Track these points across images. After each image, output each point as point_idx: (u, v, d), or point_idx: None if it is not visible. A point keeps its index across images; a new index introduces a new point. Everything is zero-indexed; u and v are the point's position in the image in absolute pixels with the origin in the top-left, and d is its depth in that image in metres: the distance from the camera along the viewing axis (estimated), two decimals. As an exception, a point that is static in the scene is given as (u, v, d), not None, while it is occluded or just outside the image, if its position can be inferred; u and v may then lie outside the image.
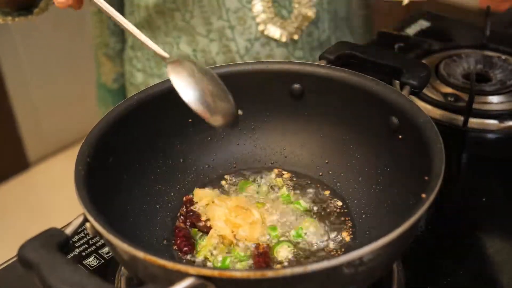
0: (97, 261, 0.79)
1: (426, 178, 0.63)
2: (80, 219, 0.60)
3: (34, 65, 2.50)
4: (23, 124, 2.55)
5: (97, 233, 0.59)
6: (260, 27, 1.07)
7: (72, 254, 0.80)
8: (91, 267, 0.78)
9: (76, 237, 0.82)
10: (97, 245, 0.81)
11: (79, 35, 2.42)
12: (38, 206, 2.45)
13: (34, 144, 2.62)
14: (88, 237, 0.82)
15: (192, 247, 0.72)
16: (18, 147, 2.57)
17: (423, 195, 0.60)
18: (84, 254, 0.80)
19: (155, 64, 1.14)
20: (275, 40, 1.09)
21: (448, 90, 1.06)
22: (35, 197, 2.52)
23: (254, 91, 0.82)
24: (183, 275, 0.52)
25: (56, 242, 0.55)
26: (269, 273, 0.52)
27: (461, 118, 1.01)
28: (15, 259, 0.80)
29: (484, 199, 0.87)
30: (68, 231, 0.58)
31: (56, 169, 2.63)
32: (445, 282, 0.75)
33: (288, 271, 0.52)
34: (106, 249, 0.80)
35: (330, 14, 1.15)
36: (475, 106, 1.00)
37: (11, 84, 2.44)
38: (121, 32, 1.28)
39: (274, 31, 1.08)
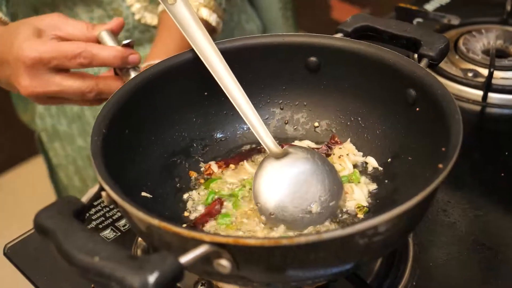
0: (114, 233, 0.80)
1: (443, 149, 0.62)
2: (96, 188, 0.60)
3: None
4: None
5: (112, 202, 0.59)
6: (137, 17, 1.08)
7: (89, 227, 0.80)
8: (108, 239, 0.79)
9: (93, 210, 0.83)
10: (114, 217, 0.82)
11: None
12: (50, 189, 2.47)
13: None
14: (105, 210, 0.83)
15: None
16: (30, 130, 2.58)
17: (440, 165, 0.59)
18: (101, 226, 0.81)
19: None
20: (154, 27, 1.09)
21: (467, 65, 1.05)
22: (47, 181, 2.53)
23: (269, 65, 0.81)
24: (197, 243, 0.52)
25: (72, 209, 0.55)
26: (284, 241, 0.52)
27: (480, 94, 1.00)
28: (29, 233, 0.81)
29: (502, 174, 0.86)
30: (84, 199, 0.58)
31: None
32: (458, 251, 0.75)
33: (303, 239, 0.52)
34: (122, 222, 0.81)
35: None
36: (494, 81, 0.99)
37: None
38: None
39: (151, 18, 1.08)
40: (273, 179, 0.71)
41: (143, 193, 0.72)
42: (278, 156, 0.72)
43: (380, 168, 0.76)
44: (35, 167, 2.55)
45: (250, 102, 0.74)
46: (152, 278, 0.47)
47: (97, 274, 0.49)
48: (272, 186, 0.70)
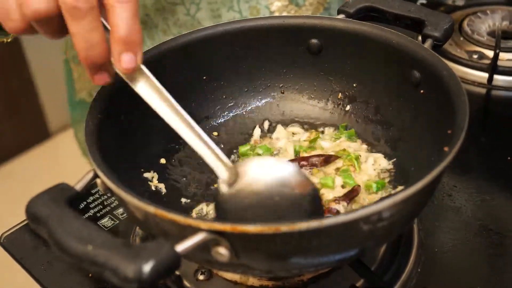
0: (112, 221, 0.78)
1: (449, 131, 0.60)
2: (90, 174, 0.58)
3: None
4: (44, 94, 2.55)
5: (107, 189, 0.58)
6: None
7: (86, 215, 0.79)
8: (106, 227, 0.77)
9: (91, 198, 0.81)
10: (112, 206, 0.80)
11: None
12: (59, 175, 2.45)
13: (55, 114, 2.62)
14: (102, 198, 0.81)
15: None
16: (39, 116, 2.57)
17: (446, 148, 0.57)
18: (98, 215, 0.79)
19: None
20: None
21: (472, 47, 1.03)
22: (56, 167, 2.52)
23: (270, 47, 0.79)
24: (194, 230, 0.50)
25: (65, 196, 0.53)
26: (284, 228, 0.50)
27: (485, 76, 0.98)
28: (26, 222, 0.79)
29: (509, 158, 0.84)
30: (78, 186, 0.57)
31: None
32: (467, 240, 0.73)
33: (304, 225, 0.50)
34: (120, 210, 0.79)
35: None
36: (500, 63, 0.97)
37: (31, 54, 2.43)
38: None
39: None
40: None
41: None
42: (229, 181, 0.60)
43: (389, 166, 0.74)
44: (40, 160, 2.55)
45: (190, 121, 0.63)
46: (147, 267, 0.45)
47: (90, 262, 0.47)
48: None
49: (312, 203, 0.59)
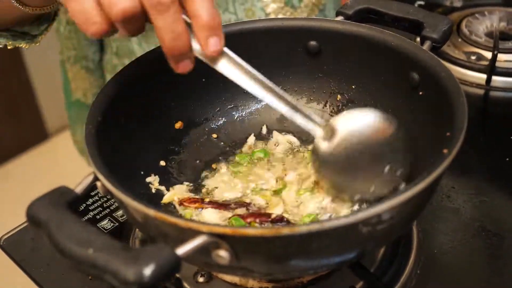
0: (112, 224, 0.78)
1: (448, 134, 0.60)
2: (91, 177, 0.58)
3: (51, 35, 2.48)
4: (42, 95, 2.54)
5: (107, 192, 0.58)
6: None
7: (86, 218, 0.79)
8: (106, 230, 0.77)
9: (90, 200, 0.81)
10: (111, 208, 0.80)
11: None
12: (58, 176, 2.46)
13: (53, 115, 2.62)
14: (102, 200, 0.81)
15: None
16: (37, 118, 2.57)
17: (445, 150, 0.57)
18: (98, 217, 0.79)
19: None
20: None
21: (471, 48, 1.03)
22: (54, 168, 2.52)
23: (268, 50, 0.79)
24: (195, 233, 0.50)
25: (66, 200, 0.54)
26: (284, 230, 0.50)
27: (483, 77, 0.98)
28: (25, 224, 0.79)
29: (507, 159, 0.84)
30: (78, 189, 0.57)
31: (75, 140, 2.63)
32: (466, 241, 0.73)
33: (304, 228, 0.50)
34: (120, 212, 0.80)
35: (333, 1, 1.11)
36: (498, 64, 0.97)
37: (30, 56, 2.43)
38: (99, 40, 1.13)
39: None
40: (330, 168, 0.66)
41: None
42: (326, 138, 0.65)
43: None
44: (38, 161, 2.55)
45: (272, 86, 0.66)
46: (148, 270, 0.45)
47: (90, 266, 0.47)
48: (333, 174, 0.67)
49: (403, 141, 0.66)
